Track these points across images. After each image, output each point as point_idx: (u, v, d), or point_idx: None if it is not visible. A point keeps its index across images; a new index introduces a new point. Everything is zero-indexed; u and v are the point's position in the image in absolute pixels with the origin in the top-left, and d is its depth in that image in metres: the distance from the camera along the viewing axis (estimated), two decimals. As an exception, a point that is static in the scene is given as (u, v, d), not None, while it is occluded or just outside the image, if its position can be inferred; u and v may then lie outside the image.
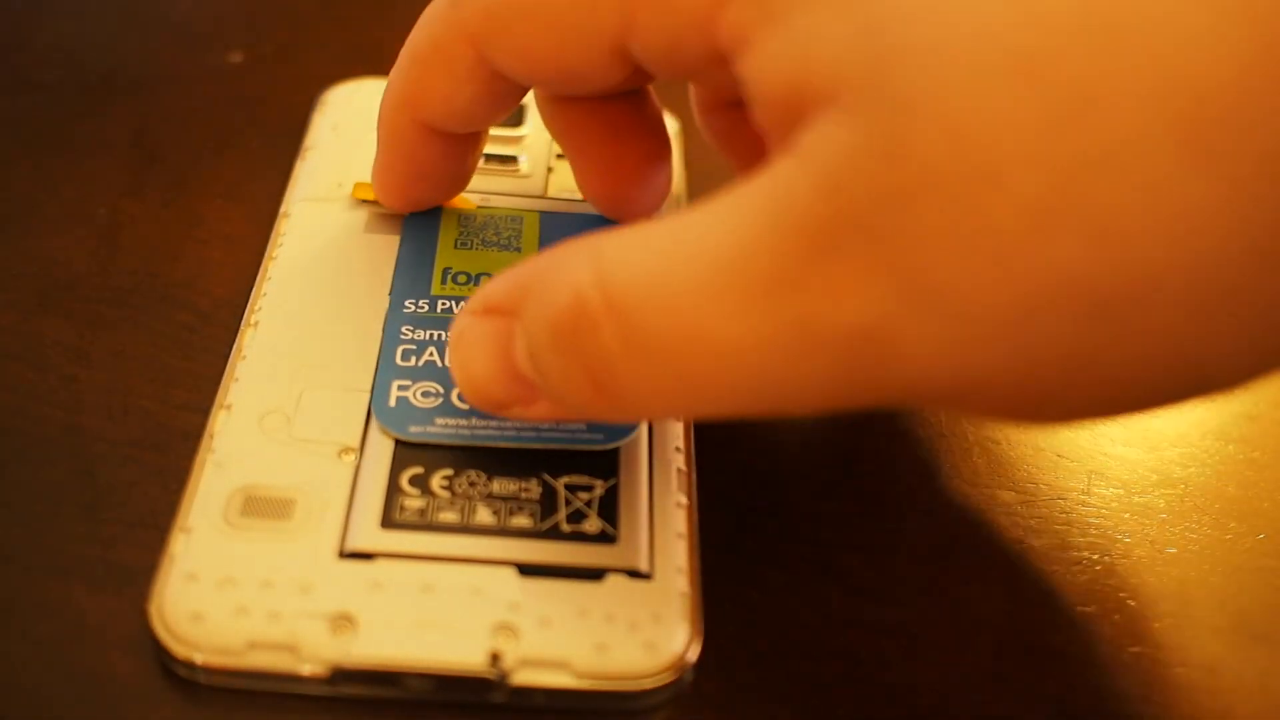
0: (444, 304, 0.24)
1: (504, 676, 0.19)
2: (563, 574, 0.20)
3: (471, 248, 0.25)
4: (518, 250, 0.25)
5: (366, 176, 0.26)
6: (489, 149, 0.28)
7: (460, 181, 0.25)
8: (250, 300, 0.24)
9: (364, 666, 0.19)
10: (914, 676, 0.20)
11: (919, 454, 0.24)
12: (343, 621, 0.19)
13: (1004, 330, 0.15)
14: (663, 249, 0.16)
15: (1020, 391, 0.16)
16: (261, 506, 0.20)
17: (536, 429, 0.22)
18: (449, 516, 0.20)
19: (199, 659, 0.19)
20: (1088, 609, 0.21)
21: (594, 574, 0.20)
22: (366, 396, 0.22)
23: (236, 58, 0.32)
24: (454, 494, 0.21)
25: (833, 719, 0.20)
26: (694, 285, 0.16)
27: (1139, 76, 0.14)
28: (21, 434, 0.23)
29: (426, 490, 0.21)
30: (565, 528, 0.20)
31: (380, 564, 0.20)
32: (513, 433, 0.21)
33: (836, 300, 0.15)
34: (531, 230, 0.26)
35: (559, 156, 0.28)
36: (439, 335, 0.23)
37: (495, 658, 0.19)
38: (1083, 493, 0.23)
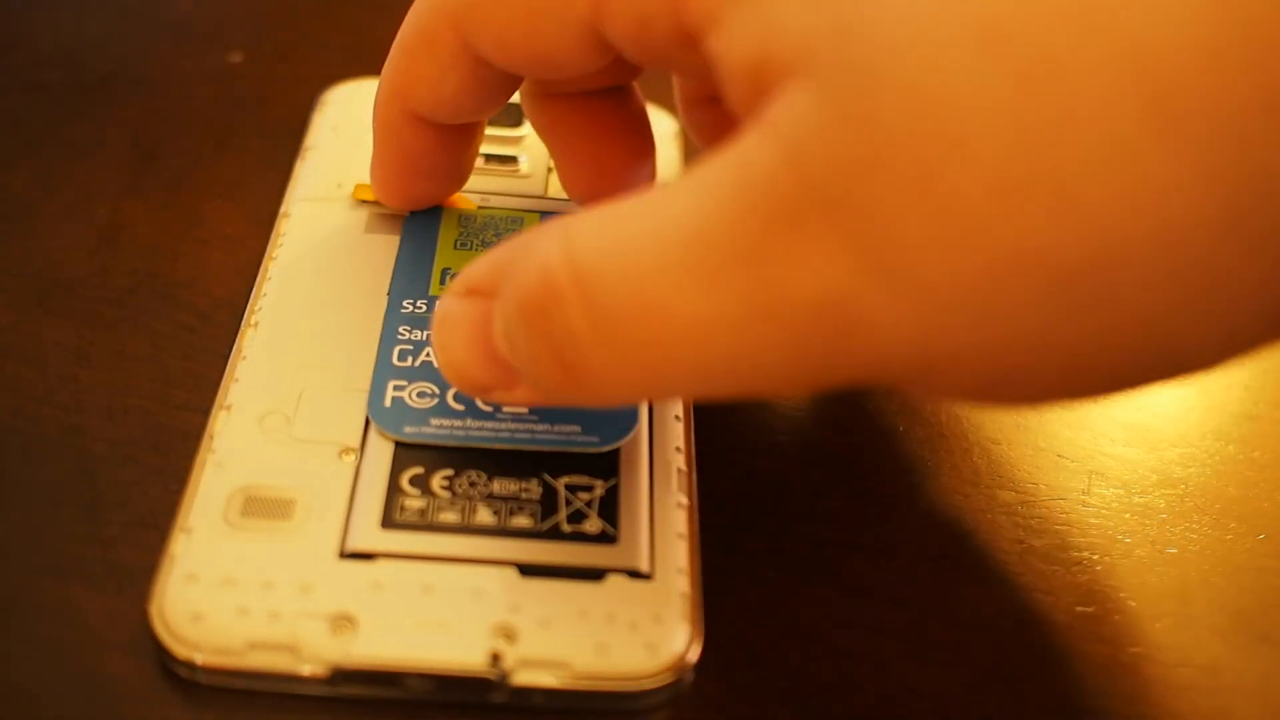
0: (443, 304, 0.24)
1: (504, 677, 0.19)
2: (563, 574, 0.20)
3: (471, 248, 0.25)
4: (518, 250, 0.25)
5: (367, 177, 0.26)
6: (489, 149, 0.28)
7: (457, 178, 0.25)
8: (250, 300, 0.24)
9: (364, 667, 0.19)
10: (914, 677, 0.20)
11: (919, 454, 0.24)
12: (343, 622, 0.19)
13: (968, 302, 0.14)
14: (629, 225, 0.16)
15: (988, 367, 0.15)
16: (262, 507, 0.20)
17: (531, 430, 0.22)
18: (449, 517, 0.20)
19: (199, 659, 0.19)
20: (1088, 609, 0.21)
21: (594, 574, 0.20)
22: (366, 397, 0.22)
23: (236, 58, 0.32)
24: (454, 494, 0.21)
25: (833, 719, 0.20)
26: (658, 261, 0.16)
27: (1103, 45, 0.13)
28: (21, 434, 0.23)
29: (427, 490, 0.21)
30: (565, 528, 0.20)
31: (380, 564, 0.20)
32: (507, 434, 0.21)
33: (799, 273, 0.15)
34: (532, 230, 0.26)
35: (559, 156, 0.28)
36: None
37: (495, 658, 0.19)
38: (1083, 493, 0.23)
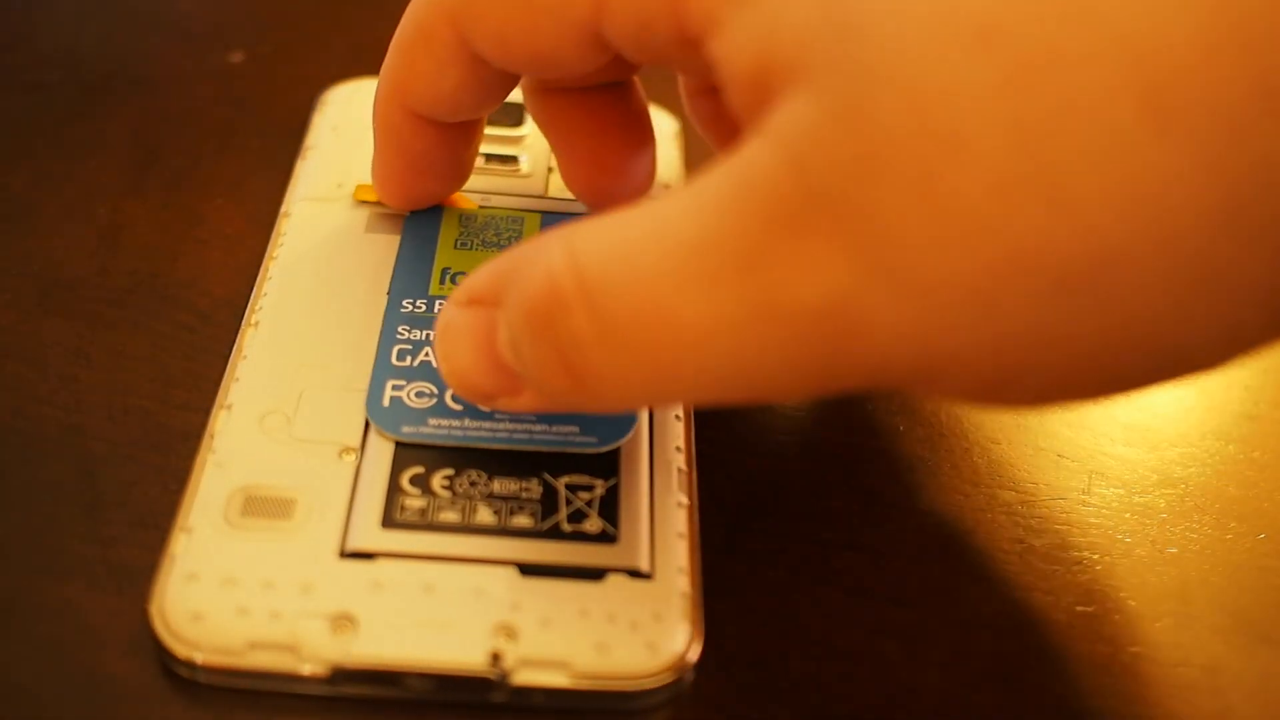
0: (441, 305, 0.24)
1: (504, 676, 0.19)
2: (563, 574, 0.20)
3: (472, 248, 0.25)
4: (518, 250, 0.25)
5: (368, 177, 0.26)
6: (490, 149, 0.28)
7: (458, 176, 0.25)
8: (251, 300, 0.24)
9: (364, 666, 0.19)
10: (914, 677, 0.20)
11: (919, 454, 0.24)
12: (343, 621, 0.19)
13: (969, 302, 0.14)
14: (633, 232, 0.16)
15: (989, 368, 0.15)
16: (262, 506, 0.20)
17: (529, 431, 0.22)
18: (450, 516, 0.20)
19: (199, 659, 0.19)
20: (1088, 609, 0.21)
21: (594, 574, 0.20)
22: (366, 396, 0.22)
23: (236, 58, 0.32)
24: (455, 494, 0.21)
25: (832, 719, 0.20)
26: (662, 267, 0.16)
27: (1097, 41, 0.13)
28: (21, 434, 0.23)
29: (427, 490, 0.21)
30: (566, 527, 0.20)
31: (381, 564, 0.20)
32: (505, 434, 0.21)
33: (801, 278, 0.15)
34: (532, 231, 0.26)
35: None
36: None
37: (496, 657, 0.19)
38: (1083, 493, 0.23)
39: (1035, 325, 0.15)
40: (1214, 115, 0.13)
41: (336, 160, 0.27)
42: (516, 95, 0.29)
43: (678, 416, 0.23)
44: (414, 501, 0.20)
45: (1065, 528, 0.23)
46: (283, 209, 0.26)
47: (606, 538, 0.20)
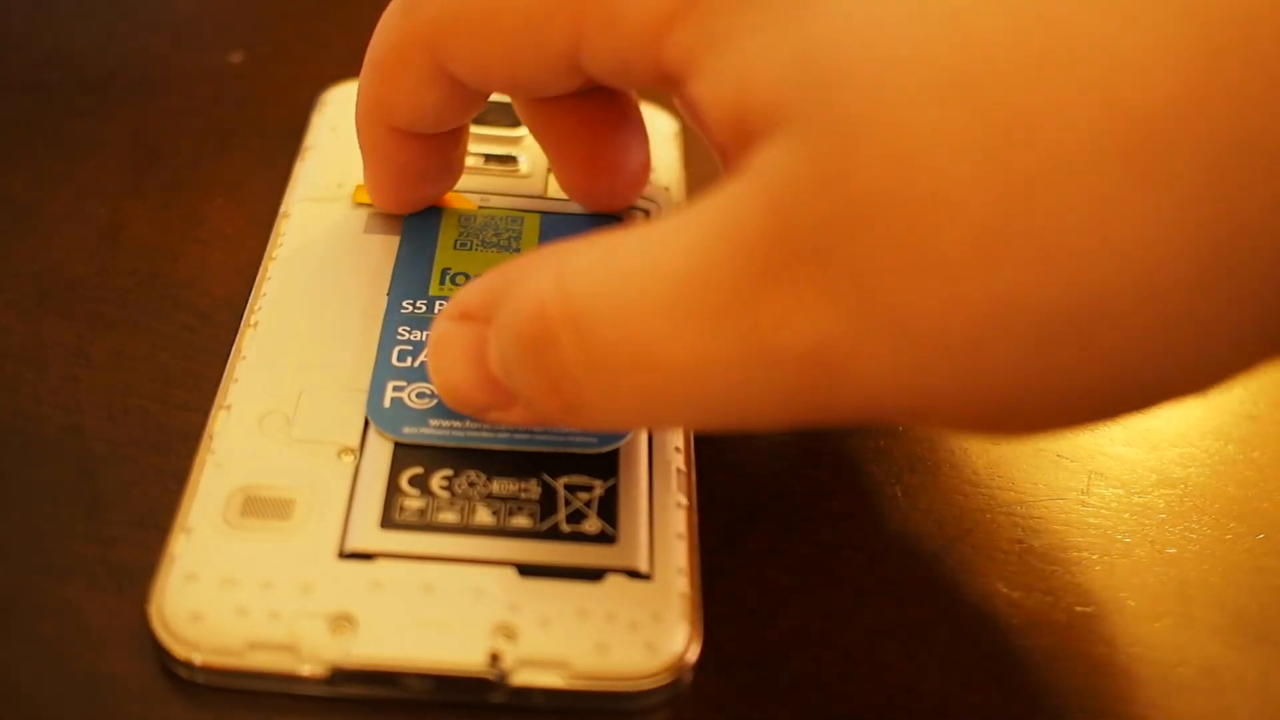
0: (441, 305, 0.24)
1: (503, 677, 0.19)
2: (562, 574, 0.20)
3: (471, 248, 0.25)
4: (517, 251, 0.25)
5: (366, 177, 0.27)
6: (489, 149, 0.28)
7: (449, 177, 0.25)
8: (250, 300, 0.24)
9: (364, 667, 0.19)
10: (914, 677, 0.20)
11: (919, 454, 0.24)
12: (342, 622, 0.19)
13: (954, 354, 0.15)
14: (622, 264, 0.16)
15: (978, 411, 0.16)
16: (261, 507, 0.20)
17: (530, 432, 0.22)
18: (449, 517, 0.20)
19: (198, 659, 0.19)
20: (1087, 609, 0.21)
21: (593, 574, 0.20)
22: (366, 397, 0.22)
23: (236, 58, 0.32)
24: (453, 494, 0.21)
25: (832, 719, 0.20)
26: (649, 303, 0.16)
27: (1079, 99, 0.13)
28: (21, 434, 0.23)
29: (426, 490, 0.21)
30: (565, 528, 0.20)
31: (380, 564, 0.20)
32: (505, 435, 0.21)
33: (786, 323, 0.15)
34: (532, 231, 0.26)
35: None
36: None
37: (495, 658, 0.19)
38: (1082, 493, 0.23)
39: (1022, 373, 0.15)
40: (1196, 168, 0.13)
41: (336, 161, 0.27)
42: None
43: (677, 417, 0.23)
44: (413, 502, 0.20)
45: (1064, 528, 0.23)
46: (282, 209, 0.26)
47: (605, 538, 0.20)
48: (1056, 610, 0.21)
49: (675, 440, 0.22)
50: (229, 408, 0.22)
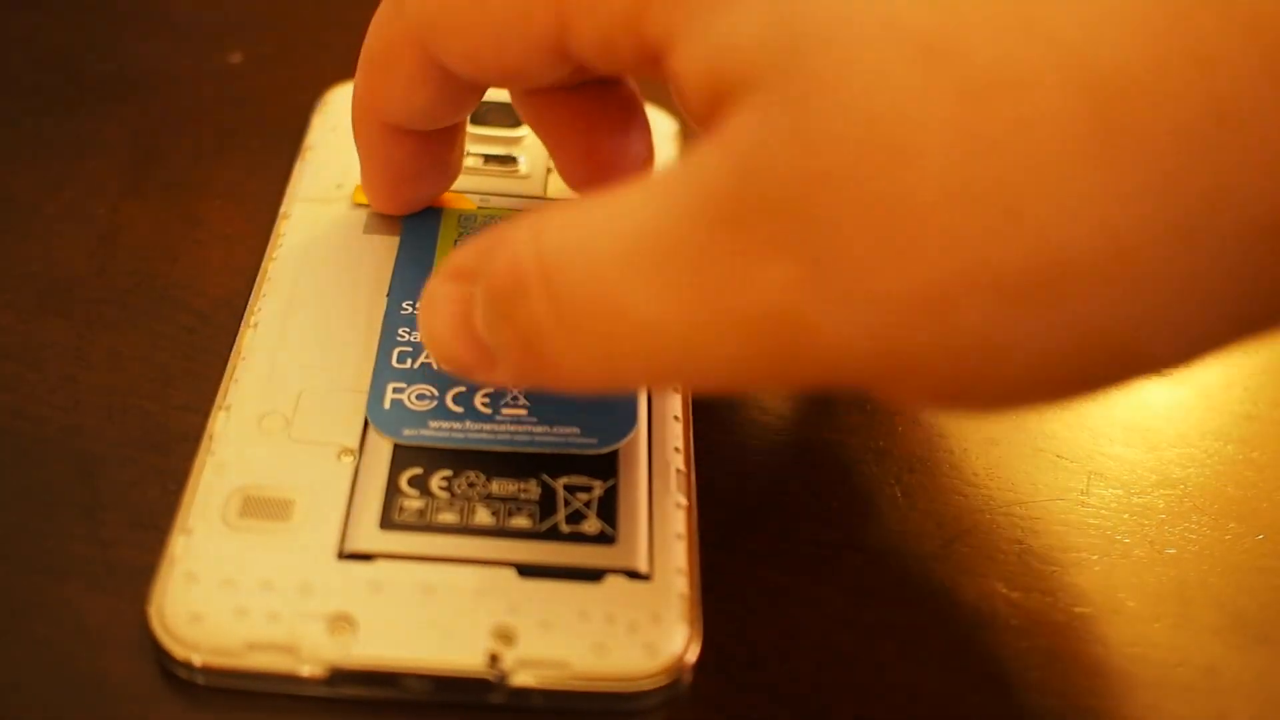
0: (442, 304, 0.24)
1: (503, 677, 0.19)
2: (562, 575, 0.20)
3: (471, 248, 0.25)
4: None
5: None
6: (489, 150, 0.28)
7: (446, 177, 0.25)
8: (250, 301, 0.24)
9: (363, 667, 0.19)
10: (913, 677, 0.20)
11: (919, 454, 0.24)
12: (342, 622, 0.19)
13: (920, 315, 0.14)
14: (594, 224, 0.17)
15: (943, 376, 0.15)
16: (261, 507, 0.20)
17: (530, 433, 0.22)
18: (448, 517, 0.20)
19: (198, 660, 0.19)
20: (1087, 609, 0.21)
21: (593, 575, 0.20)
22: (365, 398, 0.22)
23: (236, 58, 0.32)
24: (453, 495, 0.21)
25: (832, 719, 0.20)
26: (617, 258, 0.16)
27: (1048, 57, 0.13)
28: (21, 434, 0.23)
29: (426, 491, 0.21)
30: (564, 528, 0.20)
31: (379, 565, 0.20)
32: (506, 436, 0.22)
33: (750, 282, 0.15)
34: (531, 231, 0.26)
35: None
36: None
37: (494, 659, 0.19)
38: (1082, 493, 0.23)
39: (989, 336, 0.14)
40: (1167, 133, 0.13)
41: (336, 161, 0.27)
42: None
43: (676, 417, 0.23)
44: (412, 503, 0.20)
45: (1064, 528, 0.23)
46: (282, 210, 0.26)
47: (605, 539, 0.20)
48: (1056, 610, 0.21)
49: (675, 440, 0.22)
50: (229, 408, 0.22)
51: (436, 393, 0.22)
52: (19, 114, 0.30)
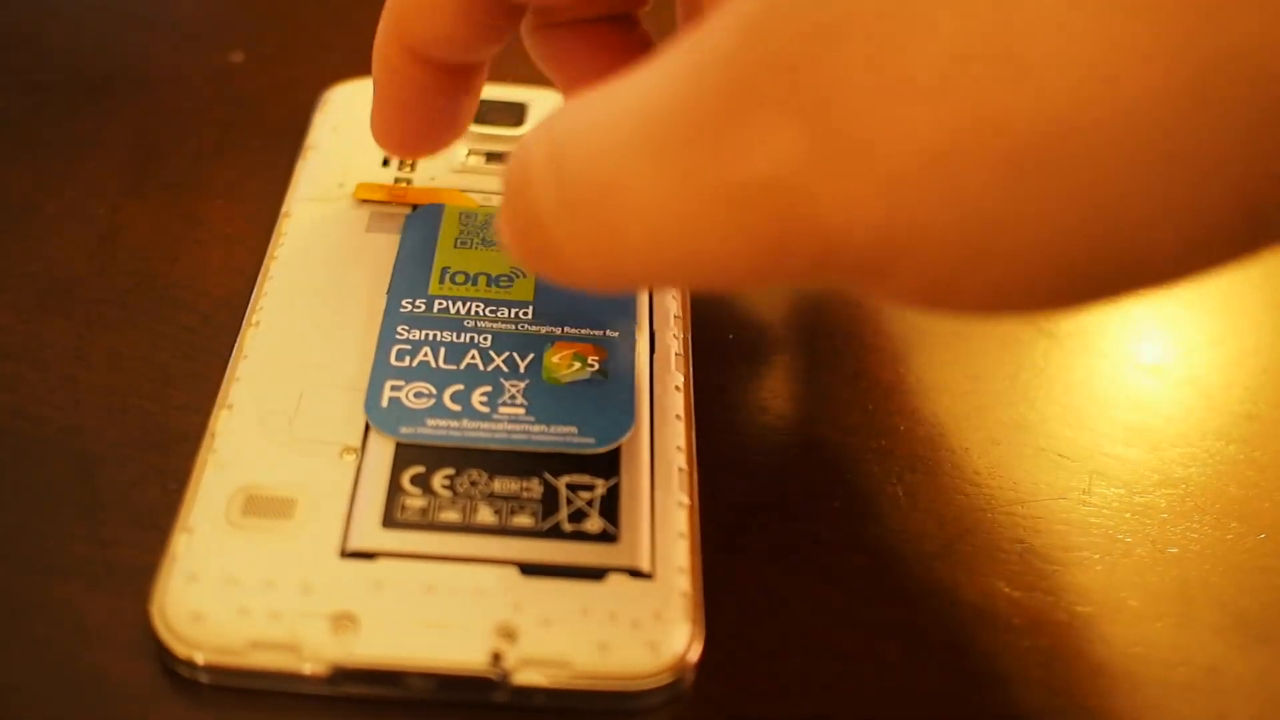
0: (441, 304, 0.24)
1: (505, 676, 0.19)
2: (564, 573, 0.20)
3: (471, 246, 0.25)
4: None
5: (368, 177, 0.27)
6: (489, 149, 0.28)
7: (457, 124, 0.25)
8: (252, 300, 0.24)
9: (365, 666, 0.19)
10: (914, 677, 0.20)
11: (919, 454, 0.24)
12: (344, 621, 0.19)
13: (923, 178, 0.14)
14: (600, 108, 0.16)
15: (941, 254, 0.15)
16: (263, 506, 0.20)
17: (527, 431, 0.22)
18: (450, 516, 0.20)
19: (200, 659, 0.19)
20: (1088, 609, 0.21)
21: (595, 573, 0.20)
22: (365, 396, 0.22)
23: (236, 58, 0.32)
24: (455, 493, 0.21)
25: (832, 719, 0.20)
26: (618, 140, 0.16)
27: None
28: (21, 434, 0.23)
29: (428, 490, 0.21)
30: (566, 527, 0.20)
31: (382, 563, 0.20)
32: (503, 435, 0.21)
33: (751, 152, 0.15)
34: (532, 230, 0.26)
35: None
36: (435, 335, 0.23)
37: (497, 657, 0.19)
38: (1084, 493, 0.23)
39: (991, 204, 0.14)
40: None
41: (337, 160, 0.27)
42: (517, 95, 0.29)
43: (678, 416, 0.23)
44: (415, 501, 0.20)
45: (1065, 527, 0.23)
46: (283, 209, 0.26)
47: (607, 537, 0.20)
48: (1057, 610, 0.21)
49: (676, 439, 0.22)
50: (230, 407, 0.22)
51: (434, 391, 0.22)
52: (20, 113, 0.30)
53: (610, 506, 0.21)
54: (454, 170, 0.27)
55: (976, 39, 0.13)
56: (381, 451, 0.21)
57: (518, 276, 0.25)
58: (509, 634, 0.19)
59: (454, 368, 0.23)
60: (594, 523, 0.20)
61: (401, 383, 0.22)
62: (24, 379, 0.24)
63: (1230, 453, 0.24)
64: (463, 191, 0.27)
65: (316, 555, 0.20)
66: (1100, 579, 0.22)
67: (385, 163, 0.27)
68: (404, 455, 0.21)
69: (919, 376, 0.25)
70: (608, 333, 0.24)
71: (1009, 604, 0.21)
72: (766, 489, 0.23)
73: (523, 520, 0.20)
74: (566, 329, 0.24)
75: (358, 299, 0.24)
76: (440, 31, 0.22)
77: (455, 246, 0.25)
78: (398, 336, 0.23)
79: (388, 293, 0.24)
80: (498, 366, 0.23)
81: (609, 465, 0.21)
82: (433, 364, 0.23)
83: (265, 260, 0.25)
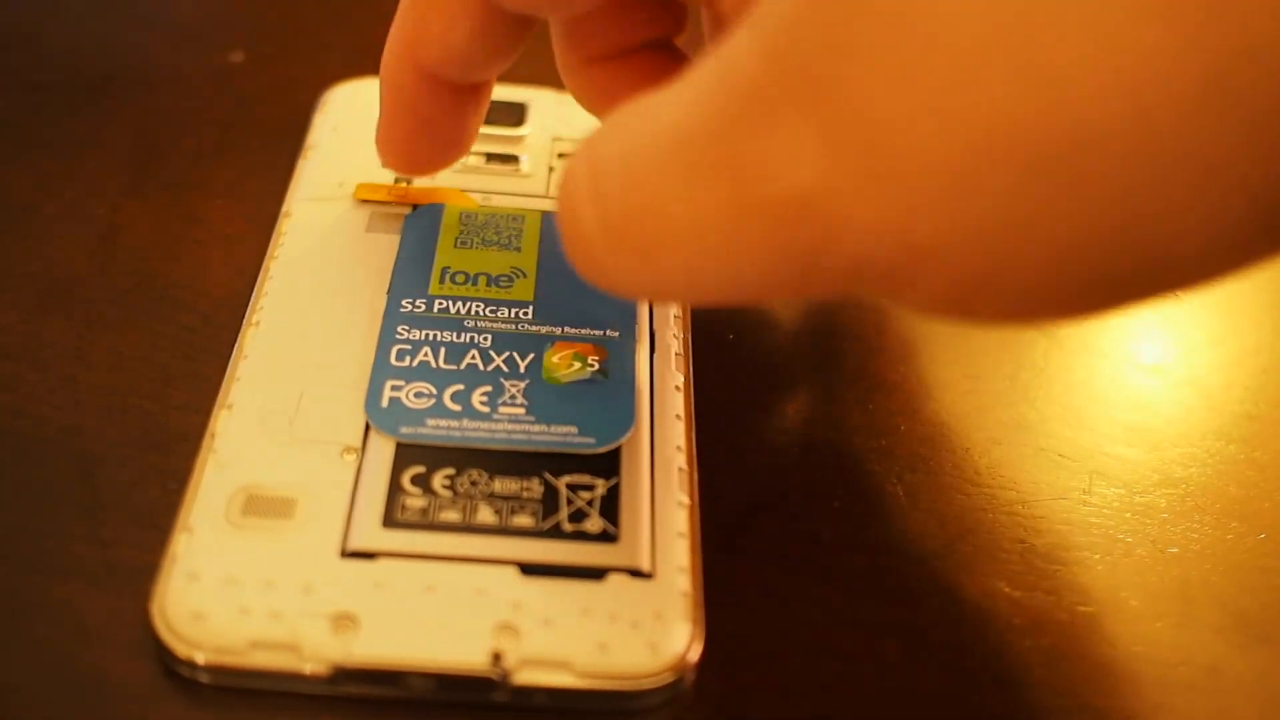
0: (441, 304, 0.24)
1: (506, 676, 0.19)
2: (564, 573, 0.20)
3: (471, 246, 0.25)
4: (518, 250, 0.25)
5: (368, 177, 0.27)
6: (490, 149, 0.28)
7: (461, 143, 0.25)
8: (252, 299, 0.24)
9: (366, 666, 0.19)
10: (914, 677, 0.20)
11: (919, 454, 0.24)
12: (345, 621, 0.19)
13: (945, 188, 0.14)
14: (635, 126, 0.17)
15: (968, 262, 0.15)
16: (263, 506, 0.20)
17: (527, 431, 0.22)
18: (451, 516, 0.20)
19: (201, 659, 0.19)
20: (1089, 608, 0.21)
21: (595, 573, 0.20)
22: (365, 396, 0.22)
23: (237, 58, 0.32)
24: (455, 493, 0.21)
25: (832, 719, 0.20)
26: (651, 159, 0.16)
27: None
28: (21, 434, 0.23)
29: (428, 489, 0.21)
30: (567, 527, 0.20)
31: (382, 563, 0.20)
32: (503, 435, 0.21)
33: (776, 169, 0.15)
34: (532, 230, 0.26)
35: (560, 156, 0.28)
36: (435, 335, 0.23)
37: (497, 657, 0.19)
38: (1084, 492, 0.23)
39: (1012, 212, 0.14)
40: None
41: (337, 160, 0.27)
42: (517, 95, 0.29)
43: (678, 416, 0.23)
44: (415, 501, 0.20)
45: (1066, 527, 0.23)
46: (283, 209, 0.26)
47: (607, 537, 0.20)
48: (1058, 610, 0.21)
49: (676, 439, 0.22)
50: (231, 407, 0.22)
51: (434, 391, 0.22)
52: (20, 113, 0.30)
53: (610, 506, 0.21)
54: (454, 170, 0.27)
55: (996, 44, 0.13)
56: (382, 451, 0.21)
57: (518, 276, 0.25)
58: (510, 634, 0.19)
59: (454, 368, 0.23)
60: (594, 523, 0.20)
61: (402, 383, 0.22)
62: (24, 379, 0.24)
63: (1230, 453, 0.24)
64: (463, 191, 0.27)
65: (317, 555, 0.20)
66: (1101, 579, 0.22)
67: (385, 163, 0.27)
68: (404, 455, 0.21)
69: (919, 376, 0.25)
70: (608, 333, 0.24)
71: (1009, 604, 0.21)
72: (766, 489, 0.23)
73: (523, 520, 0.20)
74: (566, 329, 0.24)
75: (358, 299, 0.24)
76: (454, 50, 0.22)
77: (455, 246, 0.25)
78: (398, 336, 0.23)
79: (388, 293, 0.24)
80: (498, 366, 0.23)
81: (609, 465, 0.21)
82: (433, 364, 0.23)
83: (265, 260, 0.25)
